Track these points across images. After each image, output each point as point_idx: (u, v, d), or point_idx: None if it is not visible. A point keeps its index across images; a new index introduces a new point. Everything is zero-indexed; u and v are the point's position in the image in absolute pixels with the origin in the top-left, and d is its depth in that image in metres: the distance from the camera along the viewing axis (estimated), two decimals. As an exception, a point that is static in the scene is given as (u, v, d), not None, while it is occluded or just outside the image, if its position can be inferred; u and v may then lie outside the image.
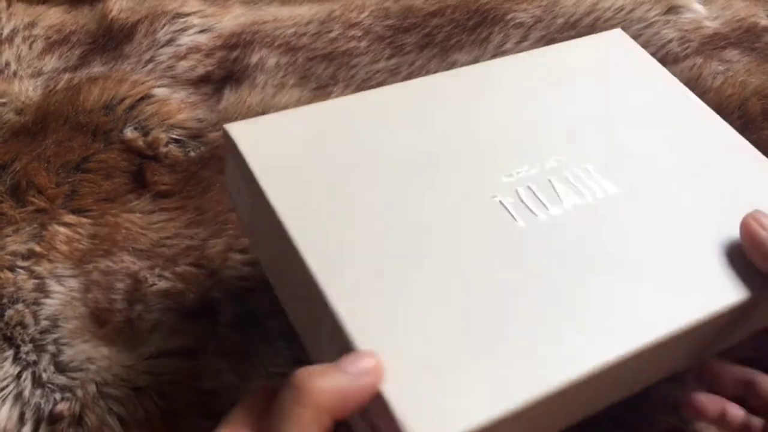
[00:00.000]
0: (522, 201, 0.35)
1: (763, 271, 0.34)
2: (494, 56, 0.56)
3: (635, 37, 0.56)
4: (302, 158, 0.35)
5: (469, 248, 0.33)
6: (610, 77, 0.43)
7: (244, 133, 0.36)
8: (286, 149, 0.36)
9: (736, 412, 0.37)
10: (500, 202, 0.35)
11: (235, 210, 0.40)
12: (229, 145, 0.37)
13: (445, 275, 0.32)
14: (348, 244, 0.32)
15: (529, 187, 0.36)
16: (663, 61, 0.55)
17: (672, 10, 0.57)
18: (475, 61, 0.56)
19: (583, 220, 0.35)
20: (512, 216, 0.34)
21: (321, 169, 0.35)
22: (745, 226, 0.34)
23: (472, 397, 0.28)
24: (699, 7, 0.58)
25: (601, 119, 0.40)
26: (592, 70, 0.43)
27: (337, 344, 0.30)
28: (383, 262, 0.32)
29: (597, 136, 0.39)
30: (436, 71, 0.56)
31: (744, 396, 0.37)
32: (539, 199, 0.35)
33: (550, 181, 0.36)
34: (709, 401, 0.37)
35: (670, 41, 0.56)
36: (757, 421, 0.36)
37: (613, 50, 0.45)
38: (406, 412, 0.27)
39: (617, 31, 0.47)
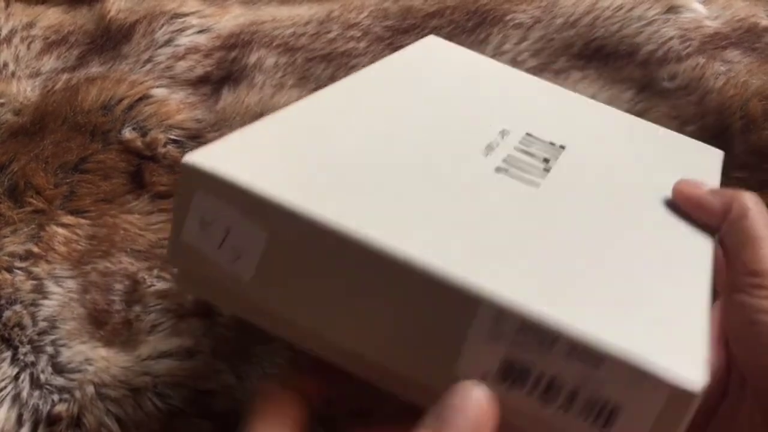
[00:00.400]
0: (521, 166, 0.35)
1: (713, 227, 0.34)
2: (493, 57, 0.56)
3: (635, 35, 0.56)
4: (296, 161, 0.30)
5: (530, 211, 0.32)
6: (460, 71, 0.45)
7: (219, 159, 0.28)
8: (270, 160, 0.30)
9: None
10: (507, 172, 0.34)
11: (214, 283, 0.30)
12: (197, 183, 0.28)
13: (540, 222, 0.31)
14: (428, 223, 0.28)
15: (517, 151, 0.36)
16: (665, 58, 0.55)
17: (672, 9, 0.57)
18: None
19: (580, 163, 0.36)
20: (530, 180, 0.34)
21: (329, 161, 0.30)
22: (678, 192, 0.35)
23: (674, 317, 0.27)
24: (699, 7, 0.58)
25: (487, 106, 0.41)
26: (438, 70, 0.45)
27: (506, 334, 0.26)
28: (479, 221, 0.29)
29: (502, 114, 0.40)
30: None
31: None
32: (532, 158, 0.36)
33: (519, 146, 0.37)
34: None
35: (671, 39, 0.56)
36: None
37: (441, 53, 0.48)
38: (656, 363, 0.25)
39: (432, 37, 0.49)
